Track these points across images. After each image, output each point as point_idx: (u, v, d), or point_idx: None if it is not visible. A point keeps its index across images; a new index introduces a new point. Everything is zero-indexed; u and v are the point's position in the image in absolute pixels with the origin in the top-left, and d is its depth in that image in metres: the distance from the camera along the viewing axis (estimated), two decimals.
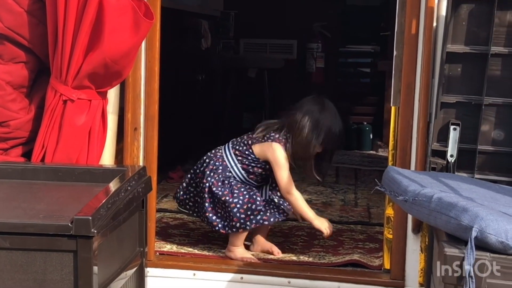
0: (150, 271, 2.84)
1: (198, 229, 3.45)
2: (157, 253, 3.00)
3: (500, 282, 1.78)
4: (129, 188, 2.33)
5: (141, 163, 2.84)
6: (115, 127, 2.78)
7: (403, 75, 2.70)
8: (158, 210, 3.65)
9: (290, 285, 2.82)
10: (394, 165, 2.71)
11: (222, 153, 3.03)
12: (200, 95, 5.28)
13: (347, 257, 3.01)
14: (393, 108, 2.80)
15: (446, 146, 2.54)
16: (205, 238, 3.28)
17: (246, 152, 2.98)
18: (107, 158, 2.74)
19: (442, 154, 2.56)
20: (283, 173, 2.90)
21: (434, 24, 2.58)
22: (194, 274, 2.88)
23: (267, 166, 2.98)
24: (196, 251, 3.08)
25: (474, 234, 1.78)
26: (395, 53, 2.72)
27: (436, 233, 2.07)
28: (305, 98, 3.02)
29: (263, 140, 2.95)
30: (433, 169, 2.55)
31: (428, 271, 2.42)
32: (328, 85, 6.31)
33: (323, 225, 2.99)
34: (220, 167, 2.98)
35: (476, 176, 2.53)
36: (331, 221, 3.51)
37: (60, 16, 2.54)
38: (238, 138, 3.06)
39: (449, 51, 2.51)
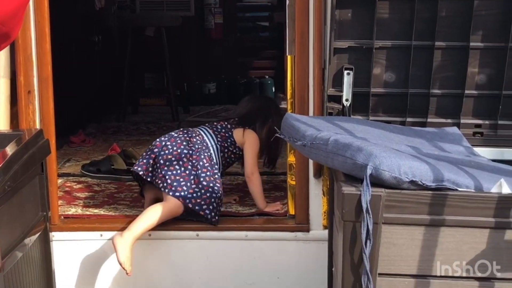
0: (55, 235, 2.80)
1: (103, 191, 3.41)
2: (62, 217, 2.96)
3: (395, 216, 1.86)
4: (26, 152, 2.29)
5: (37, 127, 2.78)
6: (8, 91, 2.70)
7: (296, 24, 2.73)
8: (61, 175, 3.60)
9: (199, 238, 2.86)
10: (293, 113, 2.75)
11: (201, 133, 3.05)
12: (98, 56, 5.17)
13: (254, 209, 3.07)
14: (289, 57, 2.83)
15: (341, 91, 2.60)
16: (111, 199, 3.26)
17: (227, 135, 3.09)
18: (2, 123, 2.66)
19: (338, 99, 2.62)
20: (254, 155, 3.08)
21: None
22: (101, 235, 2.86)
23: (239, 153, 3.11)
24: (102, 213, 3.05)
25: (369, 171, 1.84)
26: (287, 2, 2.75)
27: (335, 174, 2.13)
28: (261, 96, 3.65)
29: (242, 127, 3.13)
30: (330, 114, 2.61)
31: (330, 213, 2.50)
32: (228, 40, 6.30)
33: (274, 207, 3.06)
34: (204, 144, 3.00)
35: (371, 118, 2.61)
36: (236, 174, 3.57)
37: None
38: (215, 123, 3.15)
39: None
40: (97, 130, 4.87)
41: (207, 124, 3.16)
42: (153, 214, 2.80)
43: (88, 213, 3.05)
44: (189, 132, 3.03)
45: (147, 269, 2.85)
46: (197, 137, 3.01)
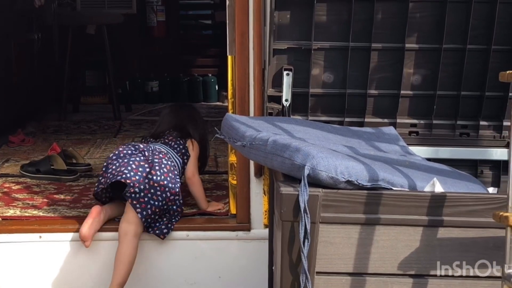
0: None
1: (42, 191, 3.37)
2: (0, 219, 2.91)
3: (332, 215, 1.89)
4: None
5: None
6: None
7: (236, 25, 2.74)
8: (0, 176, 3.54)
9: (139, 239, 2.84)
10: (234, 113, 2.77)
11: (175, 163, 3.00)
12: (38, 54, 5.09)
13: (195, 209, 3.07)
14: (229, 58, 2.85)
15: (281, 91, 2.63)
16: (50, 200, 3.22)
17: (183, 151, 3.09)
18: None
19: (278, 99, 2.65)
20: (195, 159, 3.11)
21: None
22: (40, 237, 2.82)
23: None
24: (41, 214, 3.01)
25: (306, 172, 1.87)
26: (227, 2, 2.76)
27: (274, 174, 2.16)
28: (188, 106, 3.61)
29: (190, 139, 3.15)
30: (270, 114, 2.64)
31: (271, 212, 2.52)
32: (170, 38, 6.28)
33: (216, 207, 3.07)
34: (178, 175, 2.99)
35: (310, 118, 2.65)
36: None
37: None
38: (166, 140, 3.11)
39: None
40: (37, 129, 4.80)
41: (166, 146, 3.06)
42: (130, 258, 2.76)
43: (27, 214, 3.00)
44: (170, 161, 2.94)
45: (88, 272, 2.83)
46: (175, 166, 2.97)
